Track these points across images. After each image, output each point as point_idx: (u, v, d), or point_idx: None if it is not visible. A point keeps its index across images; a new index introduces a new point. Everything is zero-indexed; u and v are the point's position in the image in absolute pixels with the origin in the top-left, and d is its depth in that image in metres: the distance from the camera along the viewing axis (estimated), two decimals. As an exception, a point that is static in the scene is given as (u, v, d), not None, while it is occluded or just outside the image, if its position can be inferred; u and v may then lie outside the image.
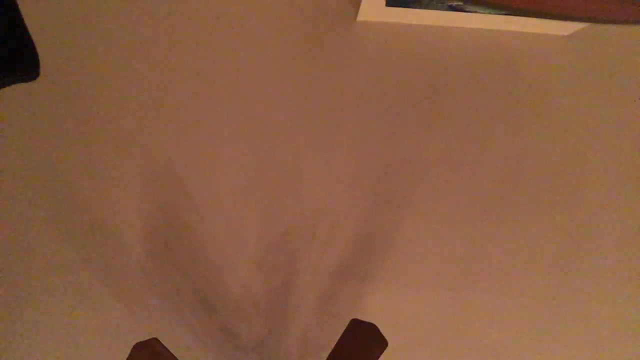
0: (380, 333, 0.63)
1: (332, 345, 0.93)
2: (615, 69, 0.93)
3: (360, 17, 0.93)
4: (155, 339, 0.60)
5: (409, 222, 0.92)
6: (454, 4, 0.85)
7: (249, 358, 0.92)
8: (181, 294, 0.92)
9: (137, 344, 0.59)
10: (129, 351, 0.92)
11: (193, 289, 0.92)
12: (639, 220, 0.91)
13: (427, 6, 0.86)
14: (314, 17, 0.94)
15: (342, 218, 0.92)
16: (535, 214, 0.91)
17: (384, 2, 0.86)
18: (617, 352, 0.91)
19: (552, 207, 0.91)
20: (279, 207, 0.92)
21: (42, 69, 0.95)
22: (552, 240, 0.91)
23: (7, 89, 0.94)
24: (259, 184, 0.92)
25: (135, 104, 0.93)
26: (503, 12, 0.86)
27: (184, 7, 0.95)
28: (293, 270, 0.92)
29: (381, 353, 0.61)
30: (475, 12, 0.87)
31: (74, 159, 0.93)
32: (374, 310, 0.92)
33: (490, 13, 0.87)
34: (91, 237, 0.92)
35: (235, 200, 0.92)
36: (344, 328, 0.92)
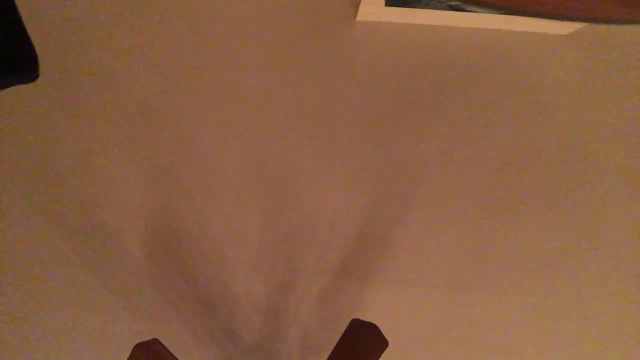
0: (381, 333, 0.63)
1: (332, 345, 0.93)
2: (614, 68, 0.93)
3: (360, 17, 0.93)
4: (155, 339, 0.60)
5: (409, 222, 0.92)
6: (453, 3, 0.85)
7: (249, 358, 0.92)
8: (181, 294, 0.92)
9: (137, 344, 0.59)
10: (129, 352, 0.92)
11: (193, 289, 0.92)
12: (639, 220, 0.91)
13: (427, 6, 0.86)
14: (313, 17, 0.94)
15: (342, 218, 0.92)
16: (535, 214, 0.91)
17: (383, 2, 0.86)
18: (617, 351, 0.91)
19: (552, 206, 0.91)
20: (279, 207, 0.92)
21: (42, 70, 0.95)
22: (553, 239, 0.91)
23: (7, 89, 0.94)
24: (258, 184, 0.92)
25: (135, 104, 0.93)
26: (502, 12, 0.86)
27: (183, 7, 0.95)
28: (293, 270, 0.92)
29: (381, 353, 0.61)
30: (475, 11, 0.87)
31: (74, 160, 0.93)
32: (374, 310, 0.92)
33: (489, 13, 0.87)
34: (91, 238, 0.92)
35: (235, 201, 0.92)
36: (344, 328, 0.92)
